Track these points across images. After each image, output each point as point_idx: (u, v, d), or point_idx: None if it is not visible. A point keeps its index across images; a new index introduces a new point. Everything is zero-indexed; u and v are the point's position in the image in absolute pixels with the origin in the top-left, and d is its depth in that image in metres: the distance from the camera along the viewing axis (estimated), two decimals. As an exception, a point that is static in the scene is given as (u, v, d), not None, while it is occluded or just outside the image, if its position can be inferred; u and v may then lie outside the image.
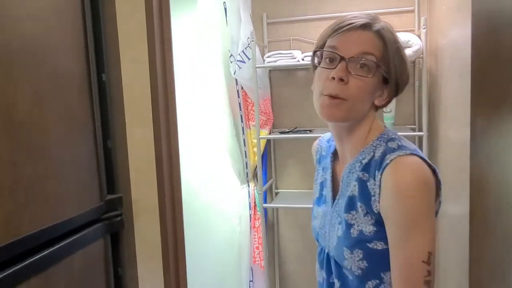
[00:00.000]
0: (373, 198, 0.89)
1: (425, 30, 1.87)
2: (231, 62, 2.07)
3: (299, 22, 2.28)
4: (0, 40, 0.60)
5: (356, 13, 0.91)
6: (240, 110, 2.21)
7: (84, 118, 0.80)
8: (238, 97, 2.20)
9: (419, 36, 1.93)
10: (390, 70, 0.89)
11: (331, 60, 0.89)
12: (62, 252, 0.72)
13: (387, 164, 0.86)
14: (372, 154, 0.93)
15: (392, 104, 2.01)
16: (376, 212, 0.89)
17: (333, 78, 0.86)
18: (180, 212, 0.98)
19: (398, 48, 0.90)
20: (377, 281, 0.93)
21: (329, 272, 1.00)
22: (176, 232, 0.97)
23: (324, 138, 1.12)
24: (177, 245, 0.98)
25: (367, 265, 0.92)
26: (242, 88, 2.20)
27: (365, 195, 0.90)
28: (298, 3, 2.30)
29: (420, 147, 1.93)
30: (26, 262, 0.64)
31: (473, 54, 1.25)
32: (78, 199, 0.78)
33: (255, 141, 2.23)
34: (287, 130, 2.26)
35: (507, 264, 0.97)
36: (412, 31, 2.10)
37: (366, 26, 0.88)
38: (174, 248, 0.97)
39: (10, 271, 0.60)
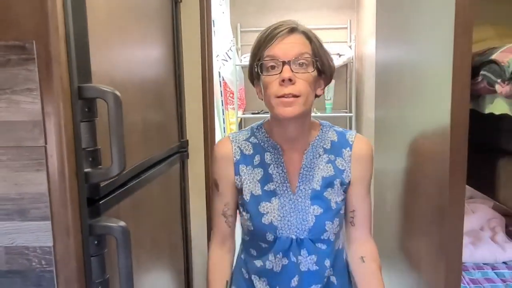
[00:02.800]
0: (345, 172, 1.01)
1: (354, 43, 2.61)
2: (217, 61, 2.69)
3: (266, 33, 2.96)
4: (155, 70, 1.21)
5: (277, 23, 0.96)
6: (221, 96, 2.85)
7: (173, 95, 1.42)
8: (220, 86, 2.83)
9: (350, 47, 2.67)
10: (323, 62, 0.96)
11: (273, 67, 0.93)
12: (169, 165, 1.34)
13: (352, 141, 1.03)
14: (329, 139, 1.03)
15: (331, 94, 2.75)
16: (347, 182, 1.02)
17: (283, 80, 0.90)
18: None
19: (320, 43, 0.98)
20: (338, 239, 1.07)
21: (296, 255, 1.02)
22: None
23: (237, 139, 1.06)
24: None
25: (338, 228, 1.04)
26: (223, 79, 2.83)
27: (339, 171, 1.02)
28: (264, 17, 2.97)
29: (350, 124, 2.69)
30: (158, 167, 1.25)
31: (376, 63, 1.97)
32: (172, 139, 1.40)
33: (232, 119, 2.88)
34: (256, 112, 2.94)
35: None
36: (346, 42, 2.84)
37: (294, 30, 0.94)
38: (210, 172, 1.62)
39: (149, 172, 1.21)
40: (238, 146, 1.03)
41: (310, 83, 0.93)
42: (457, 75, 0.80)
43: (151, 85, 1.17)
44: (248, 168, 1.02)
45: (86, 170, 0.77)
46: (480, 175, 1.05)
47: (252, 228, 1.01)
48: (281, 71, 0.91)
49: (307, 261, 1.02)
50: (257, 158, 1.02)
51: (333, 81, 2.67)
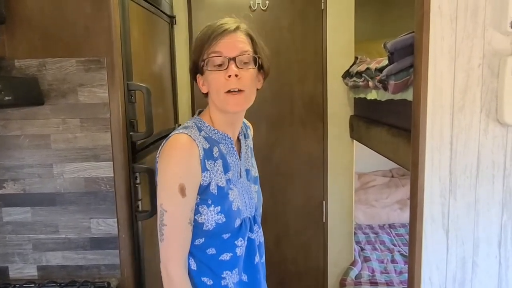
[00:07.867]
0: (252, 147, 1.15)
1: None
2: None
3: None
4: (160, 72, 1.69)
5: (219, 21, 0.97)
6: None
7: (170, 90, 1.89)
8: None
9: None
10: (263, 59, 1.00)
11: (218, 63, 0.94)
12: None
13: (248, 123, 1.17)
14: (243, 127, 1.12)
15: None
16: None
17: (229, 76, 0.93)
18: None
19: (259, 41, 1.01)
20: None
21: (253, 232, 1.06)
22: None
23: (194, 135, 0.97)
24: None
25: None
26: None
27: (252, 150, 1.15)
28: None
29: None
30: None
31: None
32: (170, 122, 1.87)
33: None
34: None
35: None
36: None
37: (237, 29, 0.96)
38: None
39: (159, 142, 1.68)
40: (199, 142, 0.96)
41: (252, 78, 0.97)
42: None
43: (158, 82, 1.65)
44: (211, 162, 0.98)
45: (130, 133, 1.25)
46: (364, 133, 1.60)
47: (224, 219, 0.98)
48: (227, 67, 0.93)
49: (258, 235, 1.09)
50: (215, 151, 0.99)
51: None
